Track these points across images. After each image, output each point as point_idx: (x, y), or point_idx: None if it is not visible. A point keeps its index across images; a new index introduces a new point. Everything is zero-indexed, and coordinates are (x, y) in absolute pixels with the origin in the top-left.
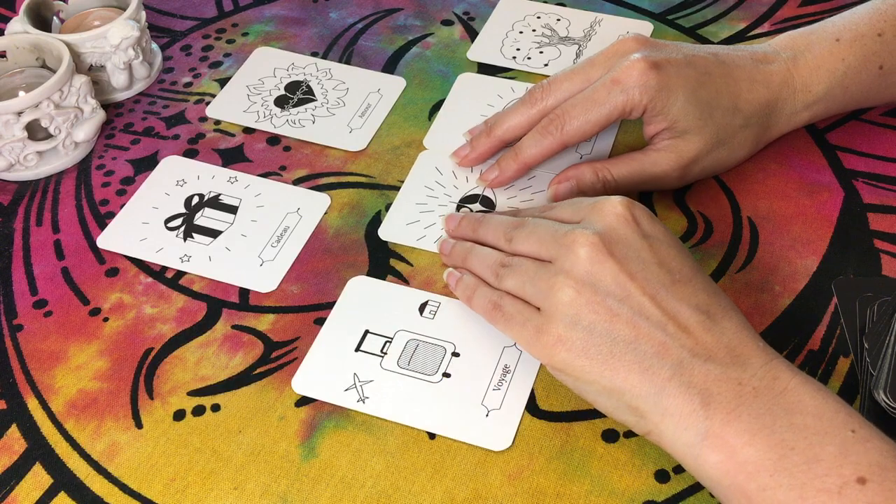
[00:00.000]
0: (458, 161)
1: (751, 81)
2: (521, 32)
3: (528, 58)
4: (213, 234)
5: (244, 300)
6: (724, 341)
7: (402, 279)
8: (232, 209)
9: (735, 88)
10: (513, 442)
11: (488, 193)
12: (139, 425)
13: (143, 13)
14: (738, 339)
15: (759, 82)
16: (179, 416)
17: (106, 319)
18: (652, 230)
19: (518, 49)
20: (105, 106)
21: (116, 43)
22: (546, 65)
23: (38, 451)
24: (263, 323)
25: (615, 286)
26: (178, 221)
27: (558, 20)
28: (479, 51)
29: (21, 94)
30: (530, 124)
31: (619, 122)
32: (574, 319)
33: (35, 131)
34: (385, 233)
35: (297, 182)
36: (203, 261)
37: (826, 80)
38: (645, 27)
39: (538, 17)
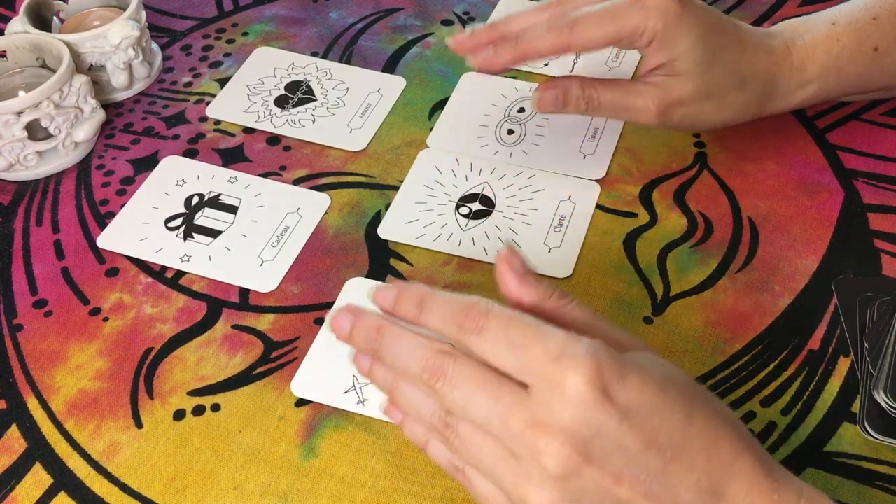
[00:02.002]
0: (453, 44)
1: (756, 49)
2: None
3: None
4: (213, 233)
5: (244, 300)
6: None
7: (403, 279)
8: (232, 209)
9: (740, 49)
10: None
11: (487, 192)
12: (139, 425)
13: (143, 13)
14: (753, 502)
15: (763, 51)
16: (179, 415)
17: (106, 319)
18: (629, 399)
19: None
20: (105, 106)
21: (116, 43)
22: (546, 64)
23: (38, 451)
24: (263, 323)
25: (601, 498)
26: (178, 221)
27: None
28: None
29: (21, 94)
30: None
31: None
32: None
33: (35, 131)
34: (385, 231)
35: (297, 182)
36: (203, 261)
37: (821, 61)
38: None
39: None
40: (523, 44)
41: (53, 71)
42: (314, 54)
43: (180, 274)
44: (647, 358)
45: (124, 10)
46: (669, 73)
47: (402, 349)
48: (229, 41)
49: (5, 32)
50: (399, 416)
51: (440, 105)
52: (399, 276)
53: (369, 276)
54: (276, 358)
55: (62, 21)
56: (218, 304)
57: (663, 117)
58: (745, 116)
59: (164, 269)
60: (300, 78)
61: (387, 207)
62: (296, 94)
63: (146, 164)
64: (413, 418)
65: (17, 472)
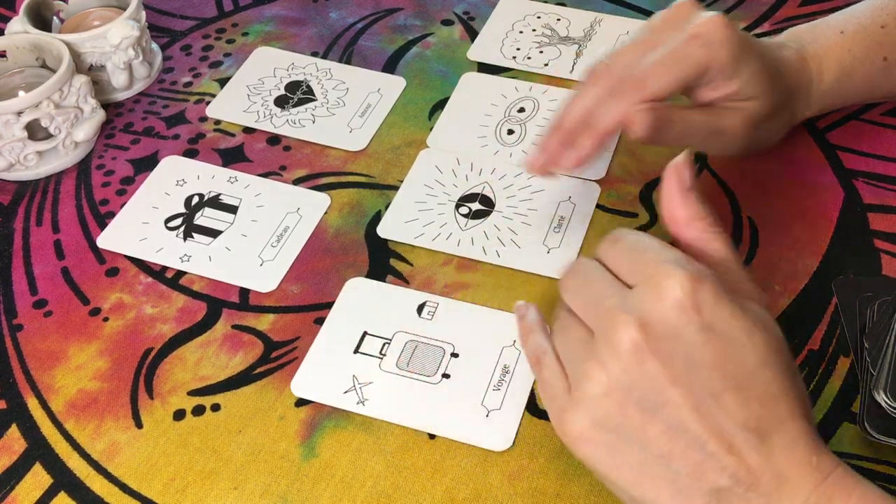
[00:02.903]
0: (530, 169)
1: (786, 63)
2: (521, 32)
3: (528, 57)
4: (213, 233)
5: (244, 300)
6: (772, 464)
7: (403, 279)
8: (232, 209)
9: (777, 65)
10: (513, 442)
11: (487, 192)
12: (139, 425)
13: (143, 13)
14: (790, 459)
15: (784, 64)
16: (179, 415)
17: (106, 319)
18: (714, 318)
19: (518, 49)
20: (105, 106)
21: (116, 43)
22: (546, 64)
23: (38, 450)
24: (263, 323)
25: (652, 392)
26: (178, 221)
27: (558, 20)
28: (478, 50)
29: (21, 94)
30: (601, 101)
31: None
32: (601, 420)
33: (35, 131)
34: (384, 230)
35: (297, 182)
36: (203, 261)
37: (835, 70)
38: None
39: (538, 17)
40: (598, 124)
41: (53, 71)
42: (314, 54)
43: (180, 274)
44: (752, 307)
45: (124, 10)
46: (743, 98)
47: None
48: (229, 41)
49: (5, 32)
50: (522, 311)
51: (440, 105)
52: (399, 276)
53: (369, 276)
54: (276, 358)
55: (62, 21)
56: (218, 304)
57: (750, 133)
58: (784, 131)
59: (164, 269)
60: (300, 78)
61: (387, 207)
62: (296, 94)
63: (146, 164)
64: (533, 310)
65: (17, 472)
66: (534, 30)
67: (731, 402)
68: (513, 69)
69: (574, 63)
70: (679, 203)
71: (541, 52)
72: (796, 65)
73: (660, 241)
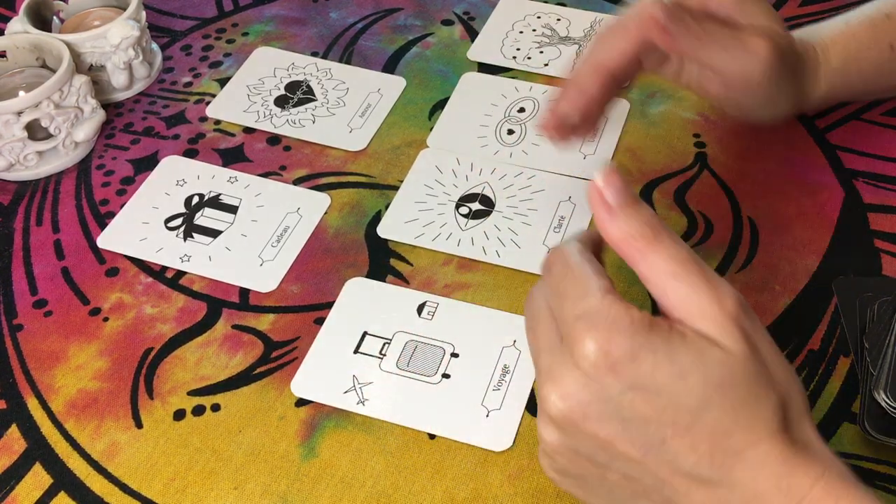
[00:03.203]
0: (546, 132)
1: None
2: (521, 32)
3: (529, 57)
4: (214, 233)
5: (244, 300)
6: (742, 492)
7: (403, 279)
8: (232, 209)
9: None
10: (513, 442)
11: (487, 192)
12: (139, 425)
13: (143, 13)
14: (760, 486)
15: (792, 38)
16: (179, 415)
17: (106, 319)
18: (637, 376)
19: (518, 49)
20: (105, 106)
21: (116, 43)
22: (546, 64)
23: (38, 450)
24: (263, 323)
25: (599, 451)
26: (178, 221)
27: (558, 20)
28: (478, 50)
29: (21, 94)
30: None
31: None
32: (562, 470)
33: (35, 131)
34: (384, 231)
35: (297, 182)
36: (203, 261)
37: (841, 55)
38: None
39: (538, 17)
40: (593, 57)
41: (53, 71)
42: (314, 54)
43: (180, 274)
44: (684, 346)
45: (124, 10)
46: (758, 33)
47: None
48: (229, 41)
49: (5, 32)
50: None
51: (440, 105)
52: (399, 276)
53: (369, 275)
54: (277, 358)
55: (62, 21)
56: (218, 303)
57: (773, 61)
58: (795, 110)
59: (164, 269)
60: (300, 78)
61: (387, 207)
62: (296, 94)
63: (146, 164)
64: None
65: (17, 472)
66: (534, 30)
67: (679, 447)
68: (513, 69)
69: (574, 64)
70: (607, 225)
71: (541, 52)
72: (801, 47)
73: (582, 273)
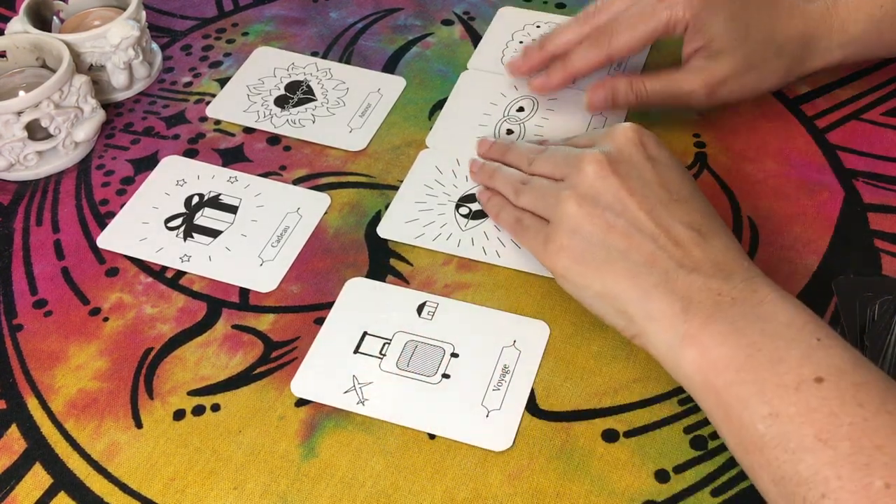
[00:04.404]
0: (510, 70)
1: (790, 13)
2: (520, 42)
3: None
4: (213, 233)
5: (244, 300)
6: (711, 256)
7: (403, 279)
8: (232, 209)
9: (774, 16)
10: (513, 442)
11: None
12: (139, 425)
13: (143, 13)
14: (725, 256)
15: (798, 16)
16: (179, 415)
17: (106, 319)
18: (657, 153)
19: None
20: (105, 106)
21: (116, 43)
22: None
23: (37, 450)
24: (263, 323)
25: (614, 201)
26: (178, 221)
27: None
28: (479, 60)
29: (21, 93)
30: (581, 40)
31: (656, 40)
32: (575, 229)
33: (35, 131)
34: (384, 230)
35: (297, 182)
36: (203, 261)
37: (863, 22)
38: None
39: (538, 27)
40: (571, 65)
41: (53, 71)
42: (314, 54)
43: (180, 274)
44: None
45: (124, 10)
46: (709, 55)
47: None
48: (229, 41)
49: (5, 32)
50: (486, 196)
51: (440, 105)
52: (399, 276)
53: (369, 275)
54: (276, 358)
55: (62, 21)
56: (218, 303)
57: (712, 97)
58: (788, 79)
59: (164, 269)
60: (300, 78)
61: (387, 207)
62: (296, 94)
63: (146, 164)
64: (497, 195)
65: (17, 472)
66: (533, 39)
67: (677, 210)
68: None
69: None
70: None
71: None
72: (816, 15)
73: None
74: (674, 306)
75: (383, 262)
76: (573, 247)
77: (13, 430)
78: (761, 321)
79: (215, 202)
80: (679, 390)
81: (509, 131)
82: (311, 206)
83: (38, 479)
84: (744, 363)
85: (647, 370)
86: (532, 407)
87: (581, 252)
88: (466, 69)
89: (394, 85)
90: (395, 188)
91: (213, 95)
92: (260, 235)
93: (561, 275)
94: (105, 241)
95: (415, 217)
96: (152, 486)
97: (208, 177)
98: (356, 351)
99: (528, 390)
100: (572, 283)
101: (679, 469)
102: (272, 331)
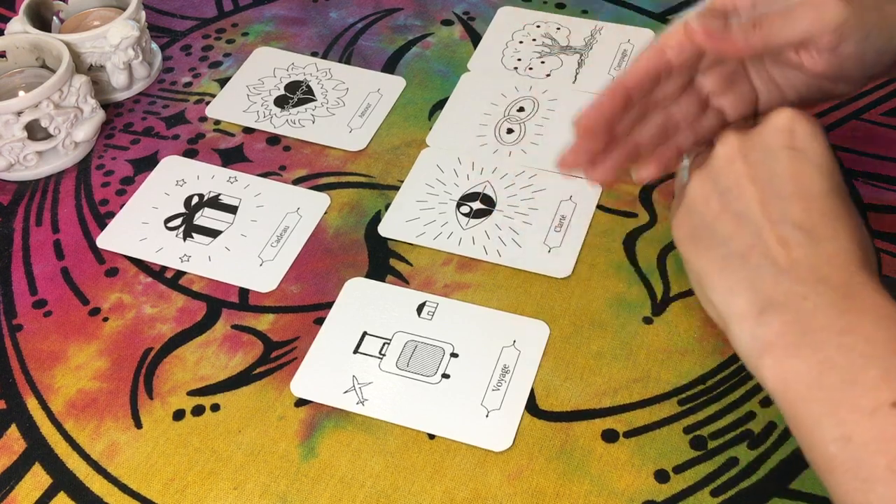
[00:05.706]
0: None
1: None
2: (520, 42)
3: (530, 67)
4: (213, 233)
5: (244, 300)
6: (812, 260)
7: (402, 279)
8: (232, 209)
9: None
10: (513, 442)
11: (488, 192)
12: (139, 425)
13: (143, 13)
14: (831, 261)
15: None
16: (179, 415)
17: (106, 319)
18: (805, 145)
19: (519, 59)
20: (105, 106)
21: (116, 43)
22: (548, 75)
23: (37, 451)
24: (263, 323)
25: (733, 186)
26: (178, 221)
27: (558, 29)
28: (479, 61)
29: (21, 94)
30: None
31: None
32: (690, 207)
33: (35, 131)
34: (385, 229)
35: (296, 182)
36: (203, 261)
37: None
38: (646, 34)
39: (538, 27)
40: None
41: (53, 71)
42: (314, 54)
43: (180, 274)
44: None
45: (124, 10)
46: (832, 77)
47: None
48: (229, 41)
49: (5, 32)
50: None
51: (440, 105)
52: (399, 276)
53: (369, 275)
54: (276, 358)
55: (62, 21)
56: (218, 304)
57: (840, 32)
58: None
59: (164, 269)
60: (300, 78)
61: (386, 207)
62: (296, 94)
63: (146, 164)
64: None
65: (17, 472)
66: (534, 39)
67: (795, 207)
68: (511, 69)
69: (576, 73)
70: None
71: (542, 62)
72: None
73: None
74: (753, 307)
75: (383, 262)
76: (685, 224)
77: (13, 431)
78: (840, 334)
79: (215, 202)
80: (679, 390)
81: (510, 130)
82: (310, 206)
83: (37, 479)
84: (816, 380)
85: (647, 370)
86: (532, 407)
87: (691, 230)
88: (466, 69)
89: (394, 85)
90: (395, 188)
91: (213, 95)
92: (260, 235)
93: (677, 247)
94: (105, 241)
95: (416, 216)
96: (152, 486)
97: (208, 177)
98: (356, 351)
99: (528, 390)
100: (683, 259)
101: (679, 469)
102: (272, 331)
